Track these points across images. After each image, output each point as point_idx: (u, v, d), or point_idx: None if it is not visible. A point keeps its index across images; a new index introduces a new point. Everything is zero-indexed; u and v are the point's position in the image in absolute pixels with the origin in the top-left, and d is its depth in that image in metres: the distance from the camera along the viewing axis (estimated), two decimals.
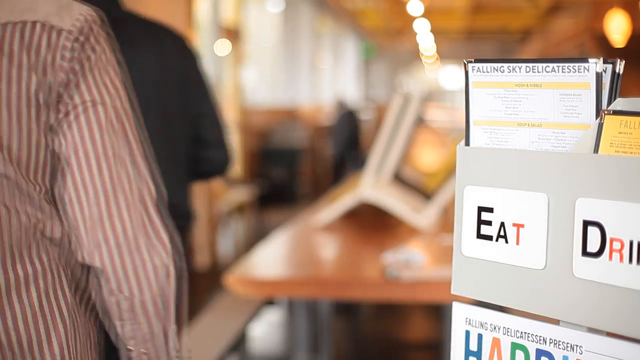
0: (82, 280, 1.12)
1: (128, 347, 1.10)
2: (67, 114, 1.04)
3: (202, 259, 6.45)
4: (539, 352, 0.98)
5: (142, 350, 1.10)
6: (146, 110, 1.97)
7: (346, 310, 5.00)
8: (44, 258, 1.07)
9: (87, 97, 1.05)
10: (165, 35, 2.10)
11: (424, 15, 13.57)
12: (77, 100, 1.05)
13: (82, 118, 1.05)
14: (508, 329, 1.01)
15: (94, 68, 1.06)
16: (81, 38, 1.05)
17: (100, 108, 1.06)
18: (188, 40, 2.18)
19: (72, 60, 1.04)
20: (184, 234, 2.16)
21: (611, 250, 0.88)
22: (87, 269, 1.12)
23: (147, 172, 1.11)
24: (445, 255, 2.77)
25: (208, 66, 8.14)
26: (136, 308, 1.08)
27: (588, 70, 0.94)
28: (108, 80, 1.08)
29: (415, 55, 22.53)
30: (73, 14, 1.05)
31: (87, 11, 1.07)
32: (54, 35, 1.03)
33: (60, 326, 1.07)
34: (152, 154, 1.15)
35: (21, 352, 1.04)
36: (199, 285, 6.08)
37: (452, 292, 1.07)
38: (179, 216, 2.04)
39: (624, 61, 0.95)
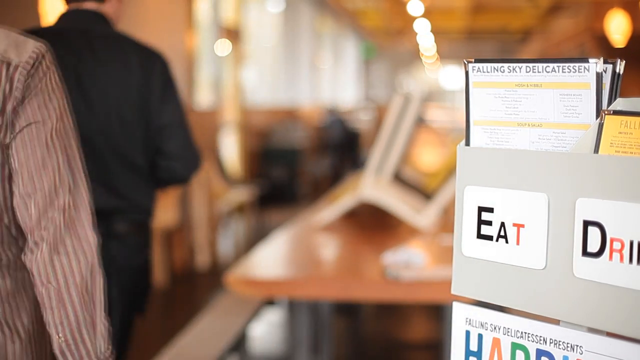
0: None
1: (58, 334, 1.26)
2: (16, 133, 1.24)
3: (202, 259, 6.45)
4: (539, 352, 0.98)
5: (67, 335, 1.26)
6: (107, 120, 2.23)
7: (346, 310, 5.00)
8: (13, 250, 1.30)
9: (31, 118, 1.25)
10: (131, 51, 2.27)
11: (424, 15, 13.58)
12: (23, 121, 1.24)
13: (26, 136, 1.25)
14: (508, 329, 1.01)
15: (39, 93, 1.26)
16: (32, 70, 1.25)
17: (42, 127, 1.26)
18: (158, 55, 2.32)
19: (24, 88, 1.24)
20: (144, 227, 2.35)
21: (611, 250, 0.88)
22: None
23: (84, 182, 1.31)
24: (445, 255, 2.77)
25: (208, 66, 8.15)
26: (63, 294, 1.25)
27: (588, 70, 0.94)
28: (51, 104, 1.27)
29: (415, 55, 22.54)
30: (27, 51, 1.26)
31: (39, 47, 1.28)
32: (11, 69, 1.23)
33: (27, 303, 1.32)
34: (85, 165, 1.34)
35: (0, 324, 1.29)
36: (199, 285, 6.08)
37: (452, 292, 1.07)
38: (136, 212, 2.29)
39: (624, 61, 0.95)
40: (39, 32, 2.28)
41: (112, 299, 2.20)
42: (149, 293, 2.44)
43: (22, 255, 1.28)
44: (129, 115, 2.25)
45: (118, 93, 2.23)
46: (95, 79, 2.21)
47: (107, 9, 2.28)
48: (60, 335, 1.26)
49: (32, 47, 1.27)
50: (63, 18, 2.27)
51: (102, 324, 1.29)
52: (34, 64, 1.25)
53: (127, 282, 2.28)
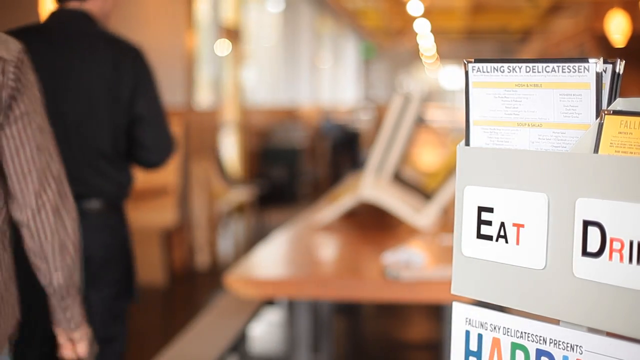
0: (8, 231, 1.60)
1: (63, 274, 1.58)
2: (12, 119, 1.49)
3: (202, 259, 6.45)
4: (539, 352, 0.98)
5: (67, 273, 1.59)
6: (77, 110, 2.37)
7: (346, 310, 5.00)
8: None
9: (29, 108, 1.51)
10: (105, 46, 2.42)
11: (424, 16, 13.58)
12: (19, 110, 1.49)
13: (26, 122, 1.50)
14: (508, 329, 1.01)
15: (27, 87, 1.51)
16: (20, 65, 1.49)
17: (33, 115, 1.52)
18: (131, 49, 2.45)
19: (15, 81, 1.47)
20: (113, 209, 2.47)
21: (611, 250, 0.88)
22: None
23: (60, 160, 1.59)
24: (445, 255, 2.77)
25: (208, 66, 8.14)
26: (64, 244, 1.58)
27: (588, 70, 0.94)
28: (35, 95, 1.53)
29: (415, 55, 22.53)
30: (13, 48, 1.49)
31: (19, 45, 1.51)
32: (3, 62, 1.45)
33: None
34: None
35: None
36: (198, 285, 6.08)
37: (452, 292, 1.07)
38: (98, 196, 2.41)
39: (624, 61, 0.95)
40: (26, 29, 2.41)
41: (88, 275, 2.26)
42: (132, 276, 2.52)
43: (25, 218, 1.54)
44: (99, 107, 2.38)
45: (89, 86, 2.38)
46: (68, 73, 2.36)
47: (89, 6, 2.43)
48: (62, 275, 1.59)
49: (15, 45, 1.50)
50: (51, 16, 2.44)
51: (79, 272, 1.64)
52: (20, 59, 1.48)
53: (97, 260, 2.36)
